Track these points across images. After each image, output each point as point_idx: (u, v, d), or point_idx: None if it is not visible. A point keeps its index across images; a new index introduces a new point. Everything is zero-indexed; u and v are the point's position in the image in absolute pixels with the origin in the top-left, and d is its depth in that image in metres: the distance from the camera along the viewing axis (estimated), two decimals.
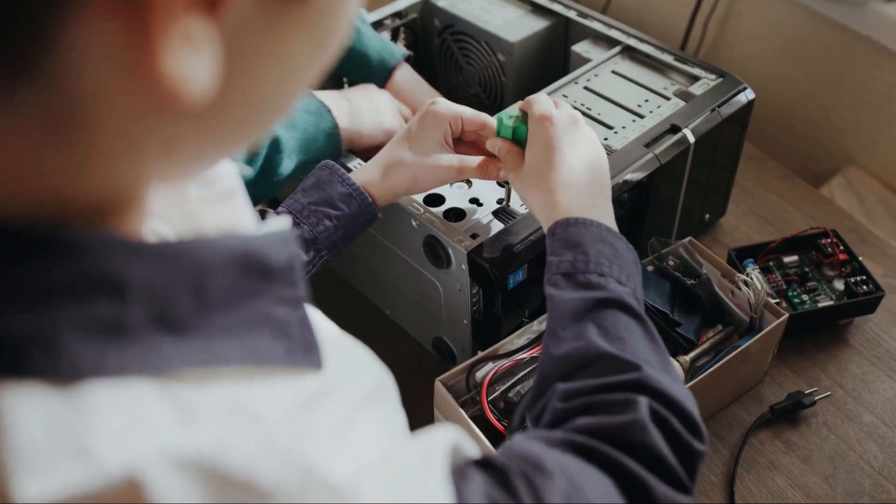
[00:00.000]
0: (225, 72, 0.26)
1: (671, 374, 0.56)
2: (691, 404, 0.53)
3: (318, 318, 0.46)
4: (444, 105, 0.79)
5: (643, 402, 0.51)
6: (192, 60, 0.25)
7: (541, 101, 0.75)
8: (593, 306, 0.59)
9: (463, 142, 0.81)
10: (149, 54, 0.24)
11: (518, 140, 0.76)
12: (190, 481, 0.27)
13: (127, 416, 0.27)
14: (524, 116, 0.76)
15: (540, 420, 0.56)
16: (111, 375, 0.28)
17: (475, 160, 0.79)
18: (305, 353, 0.34)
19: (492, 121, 0.79)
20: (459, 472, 0.38)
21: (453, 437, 0.40)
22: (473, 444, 0.43)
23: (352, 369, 0.39)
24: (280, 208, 0.77)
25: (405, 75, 1.07)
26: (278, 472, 0.29)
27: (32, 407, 0.26)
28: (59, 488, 0.25)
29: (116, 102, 0.26)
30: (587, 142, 0.73)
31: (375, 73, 1.04)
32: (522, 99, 1.00)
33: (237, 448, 0.29)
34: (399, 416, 0.40)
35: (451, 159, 0.78)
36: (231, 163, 0.39)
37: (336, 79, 1.10)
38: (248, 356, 0.31)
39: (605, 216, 0.68)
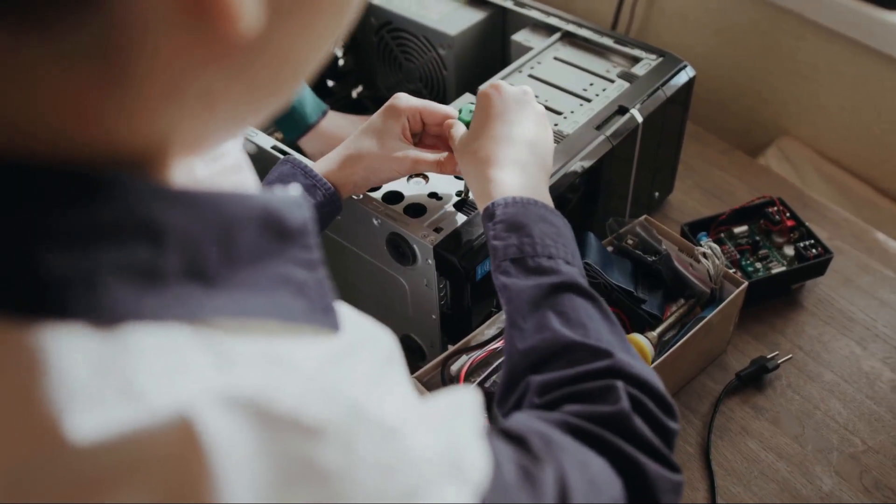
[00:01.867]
0: (268, 12, 0.27)
1: (633, 354, 0.57)
2: (659, 383, 0.54)
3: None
4: (404, 99, 0.79)
5: (621, 387, 0.52)
6: None
7: (492, 82, 0.76)
8: (549, 292, 0.59)
9: (428, 136, 0.81)
10: None
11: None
12: (240, 419, 0.27)
13: (168, 359, 0.27)
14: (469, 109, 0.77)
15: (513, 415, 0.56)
16: (150, 319, 0.27)
17: (432, 154, 0.79)
18: (324, 314, 0.34)
19: (453, 112, 0.79)
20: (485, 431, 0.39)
21: (479, 398, 0.40)
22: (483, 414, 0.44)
23: (366, 336, 0.38)
24: None
25: (334, 121, 1.06)
26: (325, 409, 0.29)
27: (76, 347, 0.26)
28: (110, 425, 0.25)
29: (166, 33, 0.25)
30: (534, 117, 0.73)
31: (303, 119, 1.04)
32: (465, 92, 1.01)
33: (282, 389, 0.29)
34: (411, 382, 0.39)
35: (407, 152, 0.78)
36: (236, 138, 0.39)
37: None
38: (275, 311, 0.31)
39: (543, 194, 0.68)
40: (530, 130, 0.72)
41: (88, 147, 0.28)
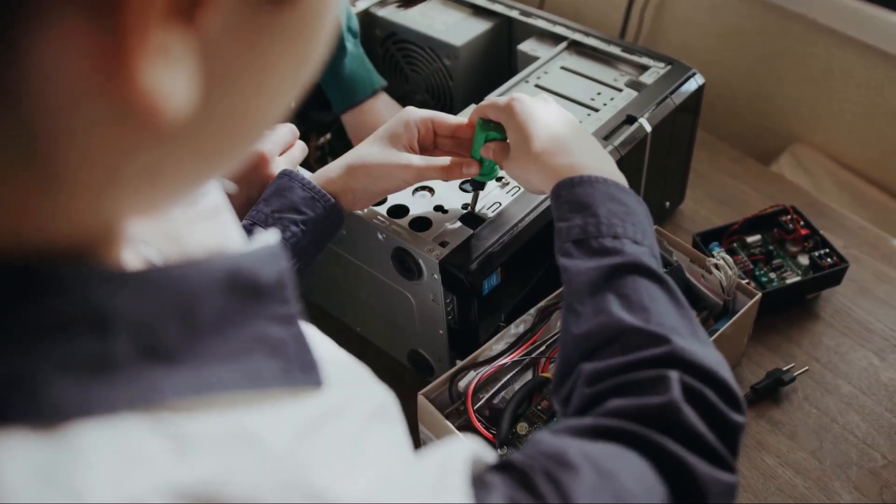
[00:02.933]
0: (205, 86, 0.25)
1: (702, 339, 0.52)
2: (726, 372, 0.50)
3: (315, 336, 0.44)
4: (413, 110, 0.78)
5: (674, 377, 0.48)
6: (169, 74, 0.23)
7: (494, 97, 0.75)
8: (611, 274, 0.55)
9: (440, 150, 0.80)
10: (123, 69, 0.22)
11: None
12: None
13: (120, 455, 0.26)
14: (485, 122, 0.76)
15: (568, 404, 0.53)
16: (99, 414, 0.26)
17: (438, 160, 0.77)
18: (304, 371, 0.32)
19: (463, 122, 0.78)
20: (479, 481, 0.37)
21: (470, 448, 0.38)
22: (490, 451, 0.41)
23: (353, 388, 0.37)
24: (243, 221, 0.75)
25: (381, 104, 1.06)
26: (283, 497, 0.28)
27: (16, 455, 0.24)
28: None
29: (91, 126, 0.24)
30: (557, 108, 0.73)
31: (351, 95, 1.04)
32: (472, 102, 1.00)
33: (239, 476, 0.27)
34: (405, 435, 0.38)
35: (412, 159, 0.76)
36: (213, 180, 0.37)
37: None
38: (245, 380, 0.30)
39: (609, 168, 0.65)
40: (561, 116, 0.71)
41: (28, 242, 0.26)
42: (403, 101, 1.21)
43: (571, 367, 0.54)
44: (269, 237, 0.34)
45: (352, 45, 1.03)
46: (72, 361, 0.26)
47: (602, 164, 0.66)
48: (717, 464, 0.46)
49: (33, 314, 0.26)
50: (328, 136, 1.15)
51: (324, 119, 1.16)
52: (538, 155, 0.67)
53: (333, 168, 0.78)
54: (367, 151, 0.77)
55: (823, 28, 1.25)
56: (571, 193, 0.61)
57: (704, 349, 0.51)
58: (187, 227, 0.36)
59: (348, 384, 0.36)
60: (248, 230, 0.73)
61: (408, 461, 0.35)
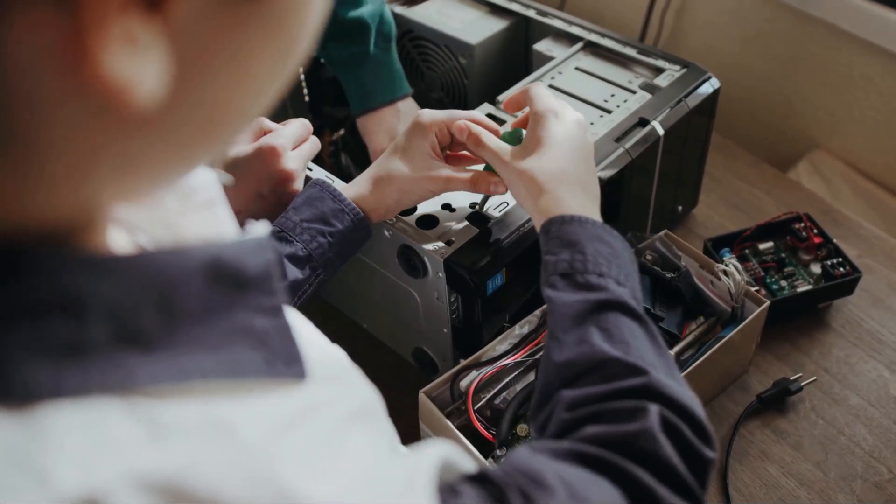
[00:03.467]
0: (176, 75, 0.25)
1: (677, 378, 0.54)
2: (699, 409, 0.52)
3: (307, 331, 0.44)
4: (428, 115, 0.77)
5: (653, 409, 0.49)
6: (136, 62, 0.23)
7: (544, 93, 0.74)
8: (595, 308, 0.57)
9: (457, 146, 0.80)
10: (88, 58, 0.22)
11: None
12: (154, 502, 0.26)
13: (89, 438, 0.26)
14: (516, 131, 0.76)
15: (545, 429, 0.54)
16: (71, 396, 0.26)
17: (465, 173, 0.76)
18: (287, 364, 0.32)
19: (479, 116, 0.78)
20: (451, 488, 0.37)
21: (443, 452, 0.38)
22: (469, 460, 0.41)
23: (337, 385, 0.37)
24: (273, 227, 0.75)
25: (404, 110, 1.06)
26: (248, 491, 0.28)
27: None
28: None
29: (62, 114, 0.24)
30: (589, 148, 0.73)
31: (366, 100, 1.04)
32: (486, 101, 1.00)
33: (206, 467, 0.27)
34: (386, 436, 0.38)
35: (440, 171, 0.76)
36: (210, 172, 0.38)
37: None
38: (225, 369, 0.30)
39: (597, 217, 0.67)
40: (585, 161, 0.71)
41: (8, 226, 0.26)
42: (419, 99, 1.21)
43: (551, 393, 0.55)
44: (258, 229, 0.34)
45: (379, 50, 1.02)
46: (46, 344, 0.26)
47: (593, 210, 0.68)
48: (687, 497, 0.47)
49: (10, 296, 0.26)
50: (342, 131, 1.15)
51: (338, 115, 1.16)
52: (549, 182, 0.68)
53: (363, 183, 0.78)
54: (394, 166, 0.77)
55: (845, 33, 1.24)
56: (561, 230, 0.63)
57: (681, 386, 0.53)
58: (183, 217, 0.36)
59: (332, 381, 0.36)
60: (279, 237, 0.74)
61: (381, 463, 0.34)
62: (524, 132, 0.74)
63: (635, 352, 0.54)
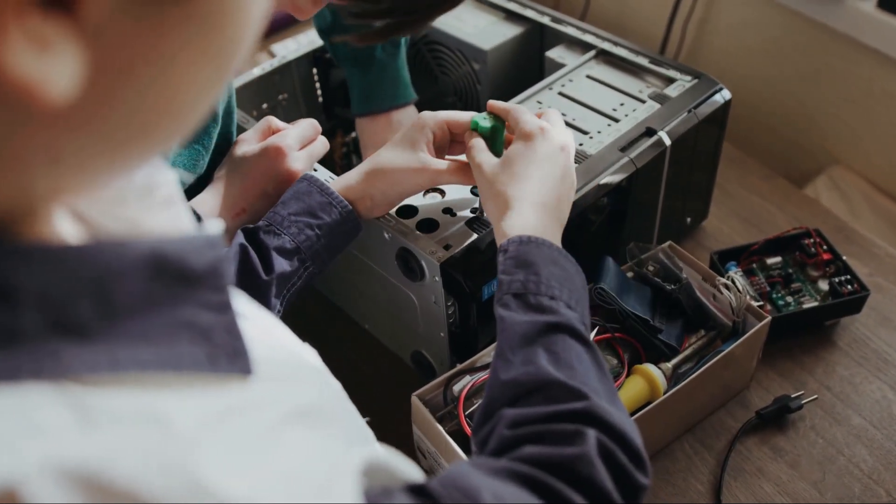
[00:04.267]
0: (95, 74, 0.25)
1: (617, 405, 0.55)
2: (637, 436, 0.53)
3: (274, 330, 0.44)
4: (428, 114, 0.79)
5: (591, 434, 0.50)
6: (45, 62, 0.23)
7: (529, 113, 0.75)
8: (544, 330, 0.58)
9: (457, 146, 0.80)
10: None
11: (489, 139, 0.76)
12: (70, 493, 0.26)
13: (15, 423, 0.26)
14: (496, 118, 0.76)
15: (486, 446, 0.55)
16: (1, 381, 0.26)
17: (450, 163, 0.77)
18: (231, 359, 0.33)
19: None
20: (385, 492, 0.37)
21: (379, 456, 0.38)
22: (414, 468, 0.42)
23: (283, 384, 0.37)
24: (261, 222, 0.76)
25: (406, 117, 1.07)
26: (163, 484, 0.28)
27: None
28: None
29: None
30: (570, 174, 0.73)
31: (367, 103, 1.04)
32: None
33: (128, 457, 0.27)
34: (335, 441, 0.37)
35: (427, 162, 0.77)
36: (170, 171, 0.38)
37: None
38: (164, 362, 0.30)
39: (557, 241, 0.68)
40: (561, 186, 0.71)
41: None
42: (433, 103, 1.21)
43: (494, 410, 0.56)
44: (210, 227, 0.34)
45: (385, 54, 1.03)
46: None
47: (553, 233, 0.68)
48: None
49: None
50: (354, 133, 1.16)
51: (350, 116, 1.17)
52: (519, 201, 0.68)
53: (352, 175, 0.79)
54: (384, 157, 0.78)
55: (866, 48, 1.22)
56: (518, 250, 0.64)
57: (620, 413, 0.54)
58: (143, 214, 0.36)
59: (282, 379, 0.36)
60: (266, 230, 0.75)
61: (312, 462, 0.34)
62: (502, 125, 0.76)
63: (580, 376, 0.55)
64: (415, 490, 0.40)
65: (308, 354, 0.45)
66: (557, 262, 0.63)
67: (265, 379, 0.34)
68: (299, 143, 0.84)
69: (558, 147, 0.72)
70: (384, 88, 1.04)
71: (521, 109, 0.75)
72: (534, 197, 0.69)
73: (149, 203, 0.37)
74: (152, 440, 0.28)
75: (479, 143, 0.75)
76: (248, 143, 0.84)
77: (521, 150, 0.71)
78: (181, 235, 0.33)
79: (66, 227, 0.32)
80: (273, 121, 0.87)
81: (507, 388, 0.56)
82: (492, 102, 0.78)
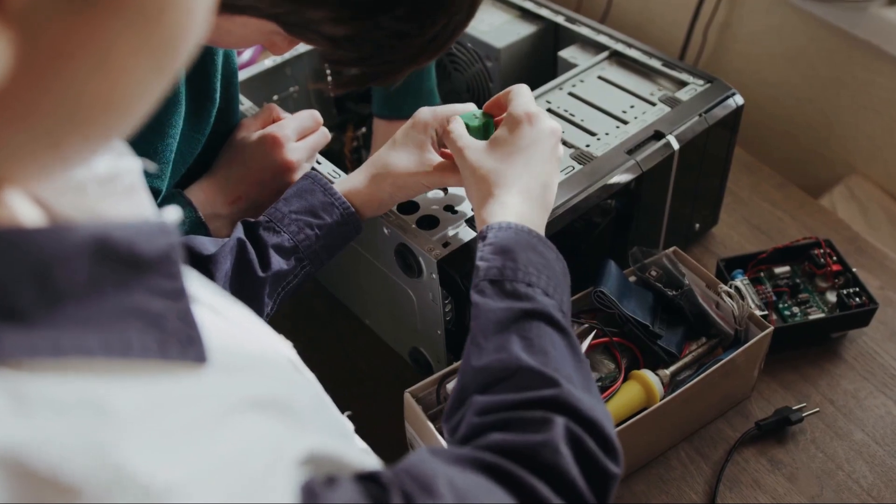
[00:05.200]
0: (23, 62, 0.25)
1: (592, 392, 0.54)
2: (609, 424, 0.52)
3: (244, 320, 0.44)
4: (428, 111, 0.78)
5: (559, 421, 0.49)
6: None
7: (525, 95, 0.74)
8: (519, 317, 0.57)
9: None
10: None
11: (480, 136, 0.75)
12: None
13: None
14: (486, 115, 0.76)
15: (456, 432, 0.54)
16: None
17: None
18: (183, 347, 0.32)
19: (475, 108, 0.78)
20: (330, 481, 0.36)
21: (327, 446, 0.37)
22: (373, 458, 0.41)
23: (246, 374, 0.36)
24: (262, 217, 0.76)
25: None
26: (87, 468, 0.27)
27: None
28: None
29: None
30: (556, 160, 0.72)
31: (390, 108, 1.04)
32: None
33: (56, 444, 0.27)
34: (284, 432, 0.36)
35: (434, 164, 0.76)
36: (134, 159, 0.38)
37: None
38: (109, 348, 0.30)
39: (539, 230, 0.67)
40: (546, 170, 0.70)
41: None
42: (446, 101, 1.21)
43: (466, 397, 0.55)
44: (168, 213, 0.34)
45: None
46: None
47: (535, 221, 0.67)
48: None
49: None
50: (364, 129, 1.15)
51: (362, 111, 1.17)
52: (502, 187, 0.67)
53: (358, 178, 0.78)
54: (391, 159, 0.77)
55: (889, 57, 1.20)
56: (497, 236, 0.63)
57: (592, 401, 0.53)
58: (104, 202, 0.36)
59: (236, 370, 0.36)
60: (266, 227, 0.74)
61: (254, 452, 0.33)
62: (492, 122, 0.75)
63: (553, 363, 0.54)
64: (364, 478, 0.39)
65: (282, 347, 0.45)
66: (535, 249, 0.62)
67: (220, 369, 0.34)
68: (298, 133, 0.84)
69: (547, 133, 0.71)
70: (408, 94, 1.03)
71: (520, 91, 0.74)
72: (516, 183, 0.68)
73: (110, 191, 0.36)
74: (85, 425, 0.28)
75: (459, 128, 0.74)
76: (247, 129, 0.84)
77: (506, 135, 0.70)
78: (131, 221, 0.32)
79: (23, 212, 0.32)
80: (275, 109, 0.86)
81: (479, 375, 0.55)
82: (488, 103, 0.77)
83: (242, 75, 1.04)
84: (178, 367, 0.32)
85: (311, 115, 0.85)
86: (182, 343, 0.32)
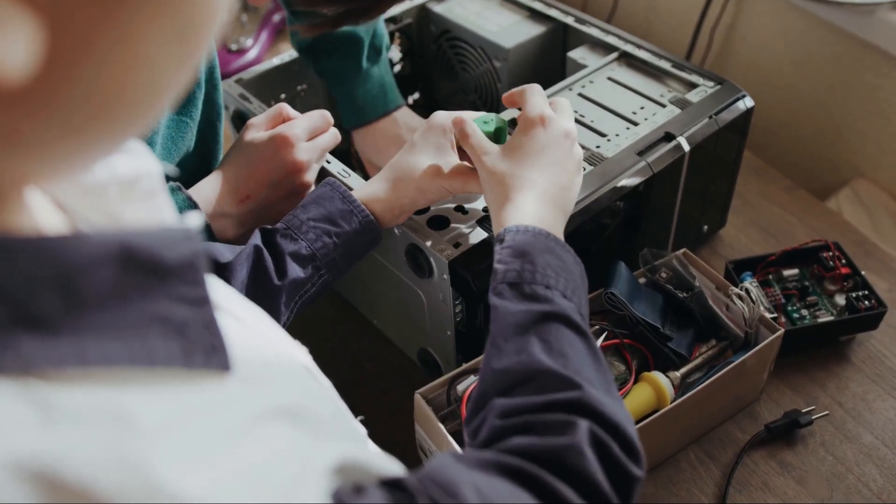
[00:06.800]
0: (50, 53, 0.24)
1: (613, 395, 0.54)
2: (631, 427, 0.52)
3: (263, 328, 0.43)
4: (444, 114, 0.77)
5: (583, 425, 0.49)
6: (1, 40, 0.23)
7: (539, 96, 0.73)
8: (538, 319, 0.57)
9: None
10: None
11: (493, 140, 0.75)
12: (24, 488, 0.25)
13: None
14: (500, 120, 0.76)
15: (477, 436, 0.54)
16: None
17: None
18: (207, 355, 0.32)
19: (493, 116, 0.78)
20: (357, 489, 0.36)
21: (353, 453, 0.37)
22: (395, 464, 0.41)
23: (269, 383, 0.36)
24: (279, 224, 0.75)
25: (401, 121, 1.06)
26: (119, 482, 0.27)
27: None
28: None
29: None
30: (573, 161, 0.72)
31: (361, 114, 1.03)
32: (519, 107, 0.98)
33: (86, 455, 0.27)
34: (310, 441, 0.36)
35: (458, 169, 0.75)
36: (155, 162, 0.37)
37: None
38: (134, 357, 0.29)
39: (557, 232, 0.67)
40: (562, 173, 0.70)
41: None
42: (453, 100, 1.21)
43: (487, 400, 0.55)
44: (188, 220, 0.33)
45: (370, 63, 1.02)
46: None
47: (552, 223, 0.67)
48: None
49: None
50: None
51: None
52: (518, 190, 0.68)
53: (379, 184, 0.77)
54: (412, 164, 0.76)
55: None
56: (514, 240, 0.63)
57: (614, 403, 0.53)
58: (124, 206, 0.36)
59: (259, 379, 0.36)
60: (284, 234, 0.74)
61: (283, 461, 0.33)
62: (505, 126, 0.75)
63: (573, 366, 0.54)
64: (390, 484, 0.39)
65: (299, 354, 0.45)
66: (553, 252, 0.62)
67: (244, 377, 0.33)
68: (308, 133, 0.83)
69: (560, 135, 0.71)
70: (376, 96, 1.03)
71: (533, 92, 0.74)
72: (533, 186, 0.68)
73: (130, 195, 0.36)
74: (112, 437, 0.28)
75: (477, 132, 0.73)
76: (256, 129, 0.83)
77: (522, 139, 0.70)
78: (155, 228, 0.32)
79: (46, 218, 0.31)
80: (285, 108, 0.86)
81: (499, 378, 0.55)
82: (507, 94, 0.77)
83: (250, 73, 1.04)
84: (202, 375, 0.32)
85: (322, 115, 0.85)
86: (206, 351, 0.32)
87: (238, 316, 0.40)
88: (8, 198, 0.30)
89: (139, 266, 0.30)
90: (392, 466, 0.41)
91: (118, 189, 0.35)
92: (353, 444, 0.42)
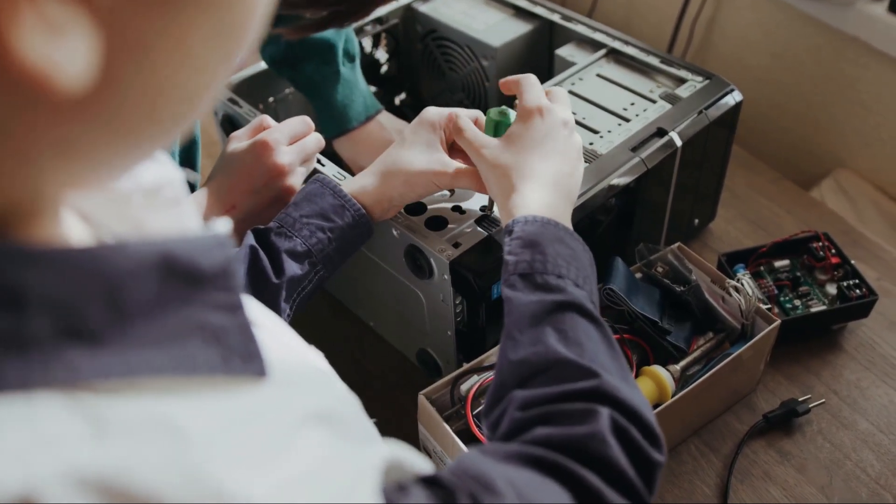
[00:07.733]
0: (106, 57, 0.24)
1: (630, 382, 0.55)
2: (649, 412, 0.52)
3: (281, 333, 0.43)
4: (434, 110, 0.78)
5: (604, 412, 0.49)
6: (58, 47, 0.22)
7: (535, 87, 0.74)
8: (552, 309, 0.57)
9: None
10: (4, 48, 0.22)
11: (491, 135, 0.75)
12: (89, 497, 0.25)
13: (29, 433, 0.25)
14: (498, 114, 0.76)
15: (497, 428, 0.54)
16: (11, 390, 0.25)
17: (472, 167, 0.76)
18: (245, 361, 0.32)
19: (482, 116, 0.78)
20: (400, 488, 0.36)
21: (392, 453, 0.37)
22: (423, 460, 0.41)
23: (300, 387, 0.36)
24: (272, 223, 0.75)
25: (383, 124, 1.06)
26: (186, 490, 0.27)
27: None
28: None
29: None
30: (573, 148, 0.72)
31: (343, 122, 1.03)
32: (503, 105, 0.99)
33: (146, 466, 0.27)
34: (351, 442, 0.37)
35: (448, 165, 0.76)
36: (178, 170, 0.37)
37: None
38: (177, 366, 0.29)
39: (565, 221, 0.67)
40: (566, 161, 0.71)
41: None
42: (440, 99, 1.21)
43: (505, 392, 0.55)
44: (217, 227, 0.33)
45: (346, 69, 1.02)
46: None
47: (560, 212, 0.67)
48: (634, 499, 0.47)
49: None
50: None
51: None
52: (523, 180, 0.68)
53: (367, 178, 0.78)
54: (401, 157, 0.77)
55: (876, 52, 1.22)
56: (524, 230, 0.63)
57: (632, 390, 0.53)
58: (148, 214, 0.36)
59: (291, 384, 0.36)
60: (278, 232, 0.74)
61: (329, 464, 0.34)
62: (512, 115, 0.75)
63: (589, 354, 0.54)
64: (428, 481, 0.39)
65: (316, 358, 0.45)
66: (563, 241, 0.63)
67: (278, 382, 0.33)
68: (288, 138, 0.82)
69: (559, 124, 0.71)
70: (356, 101, 1.03)
71: (529, 82, 0.74)
72: (537, 176, 0.68)
73: (155, 203, 0.36)
74: (165, 446, 0.28)
75: (471, 127, 0.74)
76: (238, 140, 0.83)
77: (521, 130, 0.71)
78: (190, 235, 0.32)
79: (72, 229, 0.31)
80: (266, 119, 0.85)
81: (516, 369, 0.55)
82: (504, 80, 0.77)
83: (238, 77, 1.03)
84: (240, 382, 0.32)
85: (303, 120, 0.84)
86: (243, 357, 0.32)
87: (260, 322, 0.40)
88: (51, 207, 0.30)
89: (178, 274, 0.30)
90: (425, 464, 0.41)
91: (142, 197, 0.35)
92: (384, 443, 0.42)
